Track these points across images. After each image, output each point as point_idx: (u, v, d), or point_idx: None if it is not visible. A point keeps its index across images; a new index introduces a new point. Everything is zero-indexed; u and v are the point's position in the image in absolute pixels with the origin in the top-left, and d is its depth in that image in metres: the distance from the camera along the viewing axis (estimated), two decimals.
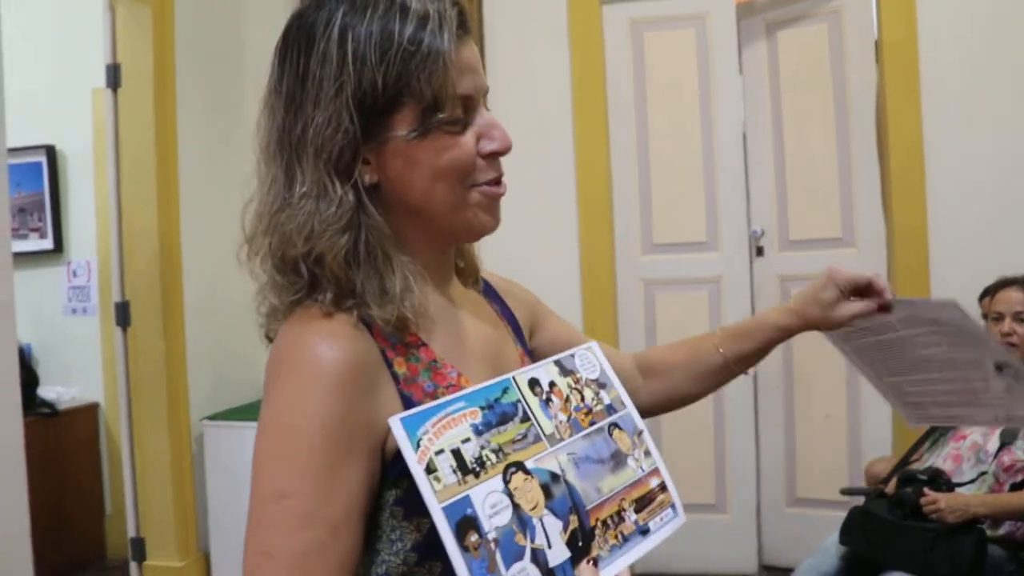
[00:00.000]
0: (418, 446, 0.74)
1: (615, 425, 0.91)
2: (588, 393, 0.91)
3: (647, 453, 0.92)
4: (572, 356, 0.94)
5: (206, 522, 3.24)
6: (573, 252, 3.43)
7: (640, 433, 0.93)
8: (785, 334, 1.15)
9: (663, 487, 0.91)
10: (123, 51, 3.14)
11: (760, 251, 3.51)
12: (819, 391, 3.35)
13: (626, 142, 3.46)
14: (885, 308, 1.11)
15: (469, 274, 1.05)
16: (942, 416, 1.20)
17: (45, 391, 3.86)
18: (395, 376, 0.83)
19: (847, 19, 3.30)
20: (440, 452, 0.74)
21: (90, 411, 3.98)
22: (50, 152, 4.00)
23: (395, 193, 0.87)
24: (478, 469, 0.75)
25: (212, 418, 3.24)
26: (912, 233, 3.12)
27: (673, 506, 0.91)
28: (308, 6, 0.87)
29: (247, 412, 3.29)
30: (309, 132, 0.83)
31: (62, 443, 3.76)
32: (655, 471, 0.91)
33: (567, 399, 0.88)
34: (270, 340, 0.89)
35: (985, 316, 2.84)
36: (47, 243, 4.01)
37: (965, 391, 1.15)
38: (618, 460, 0.88)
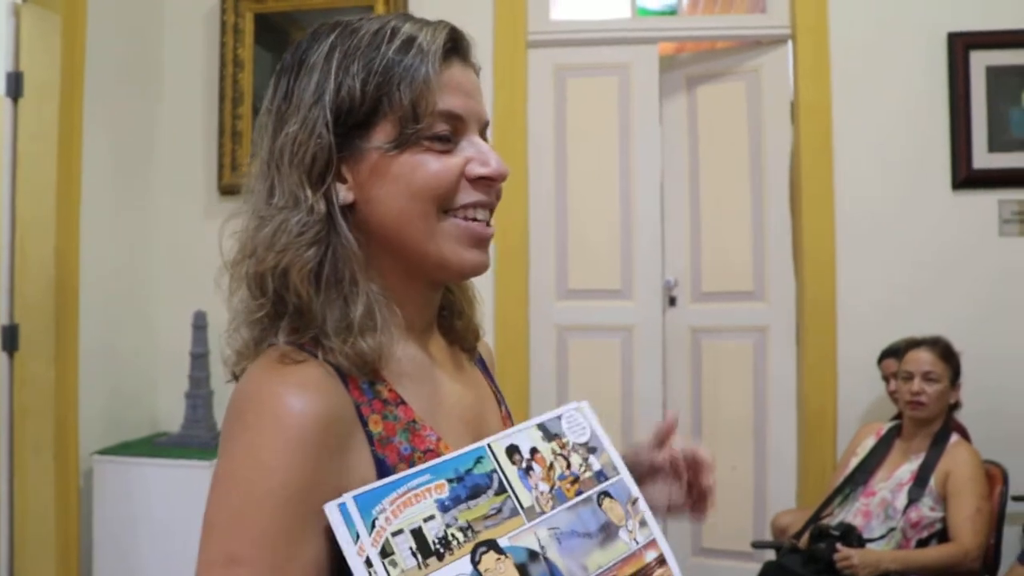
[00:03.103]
0: (373, 527, 0.67)
1: (605, 494, 0.83)
2: (575, 459, 0.84)
3: (643, 523, 0.84)
4: (559, 418, 0.86)
5: (91, 564, 3.04)
6: (487, 295, 3.38)
7: (635, 501, 0.86)
8: None
9: (661, 560, 0.83)
10: (26, 59, 2.96)
11: (673, 301, 3.54)
12: (727, 443, 3.38)
13: (544, 186, 3.47)
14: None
15: (465, 338, 0.99)
16: None
17: None
18: (369, 436, 0.77)
19: (765, 79, 3.40)
20: (398, 532, 0.68)
21: None
22: None
23: (370, 214, 0.83)
24: (442, 550, 0.69)
25: (103, 452, 3.05)
26: (820, 289, 3.20)
27: None
28: (304, 38, 0.86)
29: (141, 447, 3.12)
30: (287, 141, 0.82)
31: None
32: (652, 543, 0.84)
33: (551, 467, 0.81)
34: (236, 378, 0.83)
35: (887, 377, 2.94)
36: None
37: None
38: (608, 533, 0.80)
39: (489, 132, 0.90)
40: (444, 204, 0.83)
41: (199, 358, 3.15)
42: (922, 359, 2.58)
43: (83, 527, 3.05)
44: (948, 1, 3.17)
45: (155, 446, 3.12)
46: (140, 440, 3.25)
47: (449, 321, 0.98)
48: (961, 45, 3.14)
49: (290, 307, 0.80)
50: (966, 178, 3.12)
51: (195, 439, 3.08)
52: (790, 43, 3.32)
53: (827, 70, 3.22)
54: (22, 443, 2.93)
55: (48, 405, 2.91)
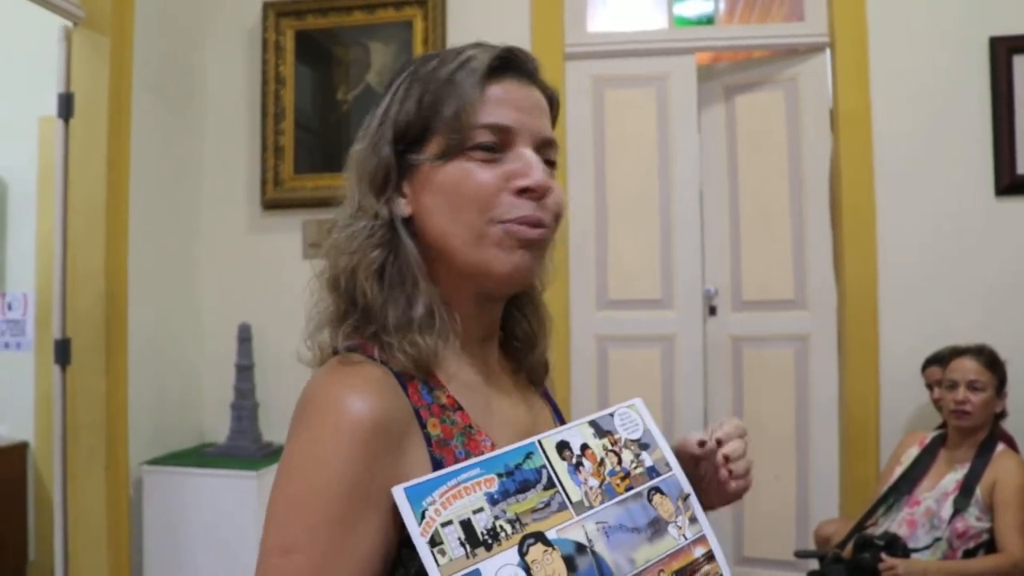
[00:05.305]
0: (423, 517, 0.70)
1: (656, 490, 0.85)
2: (627, 455, 0.85)
3: (693, 519, 0.86)
4: (611, 415, 0.88)
5: (141, 572, 3.10)
6: None
7: (687, 497, 0.87)
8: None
9: (710, 556, 0.84)
10: (77, 80, 3.05)
11: (713, 310, 3.54)
12: (769, 452, 3.36)
13: (584, 197, 3.48)
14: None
15: (535, 370, 1.02)
16: None
17: None
18: (427, 437, 0.80)
19: (803, 87, 3.39)
20: (447, 524, 0.70)
21: (18, 451, 3.80)
22: None
23: (423, 225, 0.87)
24: (490, 541, 0.71)
25: (152, 462, 3.12)
26: (862, 298, 3.18)
27: None
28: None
29: (189, 457, 3.18)
30: (358, 158, 0.90)
31: None
32: (701, 539, 0.85)
33: (601, 462, 0.83)
34: None
35: (931, 385, 2.90)
36: None
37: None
38: (657, 528, 0.82)
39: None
40: (490, 214, 0.84)
41: (244, 370, 3.21)
42: (967, 367, 2.55)
43: (133, 535, 3.12)
44: (989, 5, 3.13)
45: (202, 456, 3.18)
46: (188, 450, 3.31)
47: (523, 352, 1.01)
48: (1004, 49, 3.10)
49: (358, 307, 0.85)
50: (1010, 184, 3.08)
51: (241, 450, 3.14)
52: (828, 51, 3.31)
53: (866, 77, 3.20)
54: (75, 454, 3.00)
55: (99, 417, 2.98)
